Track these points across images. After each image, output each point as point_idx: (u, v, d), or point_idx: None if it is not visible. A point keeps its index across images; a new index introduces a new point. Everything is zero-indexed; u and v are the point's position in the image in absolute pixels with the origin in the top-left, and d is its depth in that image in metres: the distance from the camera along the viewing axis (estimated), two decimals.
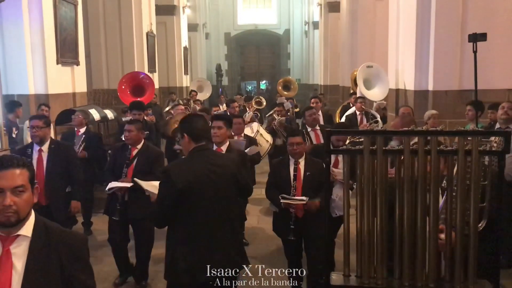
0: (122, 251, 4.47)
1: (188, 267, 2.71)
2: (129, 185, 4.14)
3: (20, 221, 1.79)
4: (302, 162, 3.99)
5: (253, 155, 5.15)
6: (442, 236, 2.26)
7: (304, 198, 3.82)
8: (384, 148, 2.23)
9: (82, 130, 5.95)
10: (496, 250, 2.29)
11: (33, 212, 1.88)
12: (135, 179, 3.57)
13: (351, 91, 10.40)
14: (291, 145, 3.98)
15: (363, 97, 8.39)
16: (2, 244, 1.80)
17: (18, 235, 1.81)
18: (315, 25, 20.86)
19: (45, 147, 4.44)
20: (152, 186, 3.11)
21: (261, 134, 6.49)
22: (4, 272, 1.77)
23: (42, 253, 1.81)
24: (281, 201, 3.83)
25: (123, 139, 4.59)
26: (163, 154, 4.72)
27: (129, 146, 4.42)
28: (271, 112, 8.28)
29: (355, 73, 10.37)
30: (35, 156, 4.39)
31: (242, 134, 5.67)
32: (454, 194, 2.18)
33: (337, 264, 4.21)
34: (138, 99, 8.46)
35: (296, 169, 3.96)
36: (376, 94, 8.91)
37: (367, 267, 2.29)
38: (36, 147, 4.42)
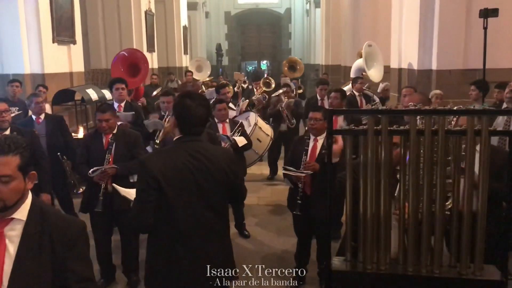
0: (107, 249, 4.13)
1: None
2: (115, 166, 3.89)
3: (8, 208, 1.72)
4: (321, 140, 3.88)
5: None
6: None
7: (305, 171, 3.74)
8: (389, 128, 2.12)
9: (43, 117, 5.25)
10: (503, 233, 2.21)
11: (30, 195, 1.81)
12: (114, 184, 3.26)
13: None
14: (310, 120, 3.89)
15: (362, 78, 8.23)
16: None
17: (13, 218, 1.75)
18: (317, 3, 20.50)
19: (7, 133, 3.88)
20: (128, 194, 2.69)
21: (259, 128, 5.94)
22: None
23: (35, 238, 1.74)
24: (282, 171, 3.84)
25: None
26: (140, 136, 4.34)
27: (102, 134, 4.07)
28: (278, 93, 7.67)
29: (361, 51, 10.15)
30: None
31: (227, 120, 5.31)
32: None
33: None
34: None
35: (312, 146, 3.88)
36: (374, 74, 8.78)
37: (369, 253, 2.21)
38: None
